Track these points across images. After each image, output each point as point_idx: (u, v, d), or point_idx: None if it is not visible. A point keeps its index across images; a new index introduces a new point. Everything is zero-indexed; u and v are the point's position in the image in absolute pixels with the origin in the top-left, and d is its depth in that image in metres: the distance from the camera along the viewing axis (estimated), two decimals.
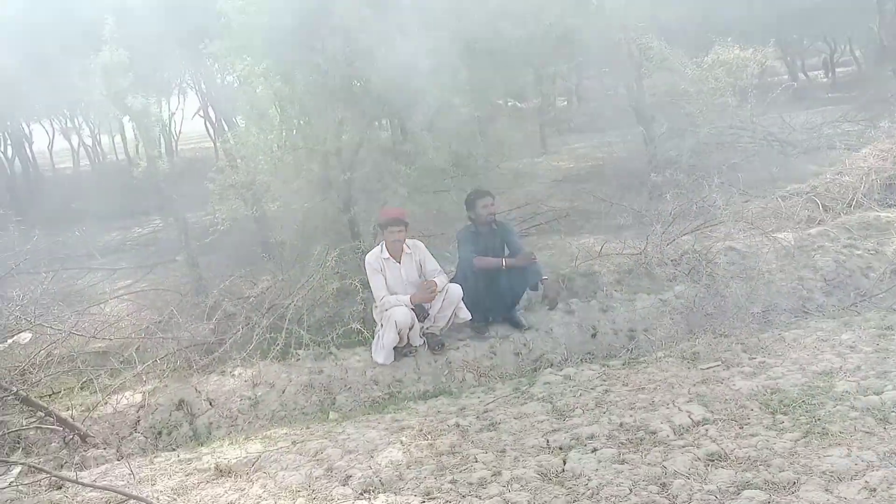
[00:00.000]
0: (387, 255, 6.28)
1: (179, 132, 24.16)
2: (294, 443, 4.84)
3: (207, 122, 18.78)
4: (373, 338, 6.27)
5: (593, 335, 6.49)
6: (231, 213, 8.07)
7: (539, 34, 8.23)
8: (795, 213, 8.20)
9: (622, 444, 4.26)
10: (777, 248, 7.25)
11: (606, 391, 5.09)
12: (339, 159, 7.61)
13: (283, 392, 5.83)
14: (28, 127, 22.79)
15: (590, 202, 10.20)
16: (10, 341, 6.24)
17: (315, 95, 7.14)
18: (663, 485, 3.72)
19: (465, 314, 6.37)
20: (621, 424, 4.49)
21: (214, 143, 19.86)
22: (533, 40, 8.16)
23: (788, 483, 3.58)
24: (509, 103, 10.29)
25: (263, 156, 7.53)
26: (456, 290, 6.28)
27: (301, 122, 7.65)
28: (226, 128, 11.96)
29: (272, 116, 7.53)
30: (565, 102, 23.70)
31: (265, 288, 6.87)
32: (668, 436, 4.27)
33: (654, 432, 4.33)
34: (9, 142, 20.85)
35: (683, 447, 4.09)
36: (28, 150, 22.20)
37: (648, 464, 3.95)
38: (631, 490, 3.69)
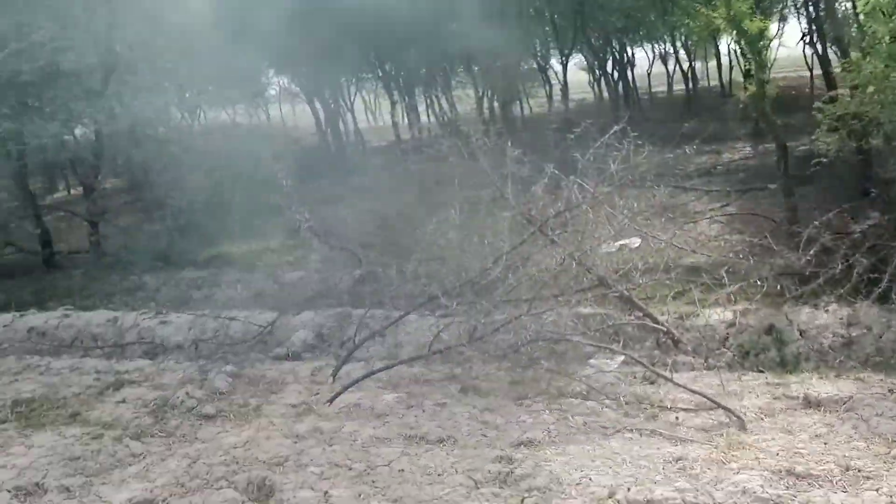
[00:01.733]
0: None
1: (774, 59, 23.49)
2: (891, 391, 4.61)
3: (808, 49, 17.77)
4: None
5: None
6: (836, 145, 7.71)
7: None
8: None
9: None
10: None
11: None
12: None
13: (881, 337, 5.52)
14: (631, 51, 24.74)
15: None
16: (620, 243, 7.07)
17: None
18: None
19: None
20: None
21: (811, 72, 18.82)
22: None
23: None
24: None
25: (874, 87, 6.92)
26: None
27: None
28: (836, 56, 11.18)
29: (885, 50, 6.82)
30: None
31: (869, 227, 6.46)
32: None
33: None
34: (615, 66, 23.00)
35: None
36: (630, 74, 24.18)
37: None
38: None
